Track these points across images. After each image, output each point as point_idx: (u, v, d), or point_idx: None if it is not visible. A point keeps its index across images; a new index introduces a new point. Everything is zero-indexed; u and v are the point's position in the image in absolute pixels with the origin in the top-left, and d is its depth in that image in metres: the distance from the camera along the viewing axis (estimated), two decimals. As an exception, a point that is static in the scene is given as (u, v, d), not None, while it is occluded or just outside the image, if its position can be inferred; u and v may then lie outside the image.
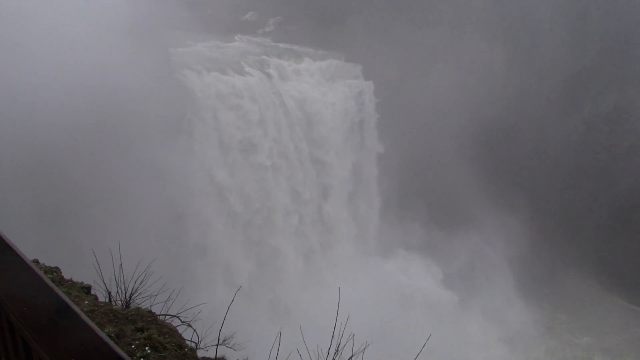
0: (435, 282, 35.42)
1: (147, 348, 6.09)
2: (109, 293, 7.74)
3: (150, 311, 7.25)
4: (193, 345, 7.27)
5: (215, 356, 6.14)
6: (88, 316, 6.43)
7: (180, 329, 7.39)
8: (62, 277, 8.19)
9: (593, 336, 34.72)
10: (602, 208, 39.25)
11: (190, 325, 7.86)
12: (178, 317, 7.95)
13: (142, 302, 7.73)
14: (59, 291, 2.55)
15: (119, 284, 7.71)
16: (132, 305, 7.57)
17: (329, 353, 6.05)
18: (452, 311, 34.60)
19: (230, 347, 7.43)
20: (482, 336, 34.03)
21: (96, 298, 7.74)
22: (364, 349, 6.28)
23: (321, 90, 33.03)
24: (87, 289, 7.92)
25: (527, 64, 39.68)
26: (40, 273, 2.64)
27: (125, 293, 7.72)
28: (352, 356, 6.18)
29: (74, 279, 8.11)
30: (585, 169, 39.44)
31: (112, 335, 6.19)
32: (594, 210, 39.46)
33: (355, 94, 34.78)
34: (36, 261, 8.54)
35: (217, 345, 6.20)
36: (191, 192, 25.23)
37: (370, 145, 36.20)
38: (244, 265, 28.45)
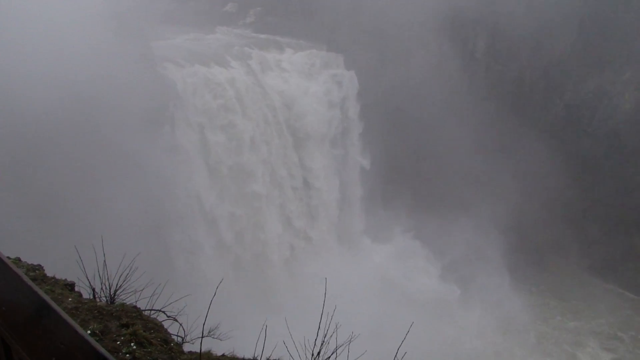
0: (427, 272, 35.61)
1: (132, 344, 6.05)
2: (93, 289, 7.68)
3: (135, 307, 7.20)
4: (179, 339, 7.24)
5: (200, 349, 6.11)
6: (72, 313, 6.40)
7: (165, 324, 7.35)
8: (45, 275, 8.11)
9: (582, 320, 35.15)
10: (586, 192, 39.65)
11: (175, 320, 7.82)
12: (163, 312, 7.91)
13: (126, 297, 7.68)
14: (38, 289, 2.51)
15: (103, 280, 7.65)
16: (117, 301, 7.52)
17: (315, 344, 6.06)
18: (443, 301, 34.82)
19: (216, 338, 7.41)
20: (474, 324, 34.26)
21: (80, 295, 7.66)
22: (350, 340, 6.30)
23: (303, 80, 32.95)
24: (70, 286, 7.84)
25: (507, 51, 39.86)
26: (19, 271, 2.60)
27: (110, 289, 7.66)
28: (337, 347, 6.19)
29: (57, 276, 8.02)
30: (567, 155, 39.78)
31: (97, 331, 6.14)
32: (578, 195, 39.83)
33: (337, 84, 34.73)
34: (18, 259, 8.44)
35: (202, 337, 6.19)
36: (174, 185, 25.11)
37: (354, 136, 36.24)
38: (227, 255, 28.49)
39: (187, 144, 26.53)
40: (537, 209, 39.19)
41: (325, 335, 6.08)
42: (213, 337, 7.16)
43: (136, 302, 7.58)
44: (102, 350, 2.27)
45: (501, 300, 35.93)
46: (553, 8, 38.60)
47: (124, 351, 5.91)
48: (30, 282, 2.53)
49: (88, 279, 7.64)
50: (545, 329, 34.58)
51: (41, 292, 2.49)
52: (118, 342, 6.07)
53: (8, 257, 4.33)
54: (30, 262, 8.40)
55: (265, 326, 6.04)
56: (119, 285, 7.72)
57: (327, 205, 34.67)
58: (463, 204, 37.74)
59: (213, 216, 27.76)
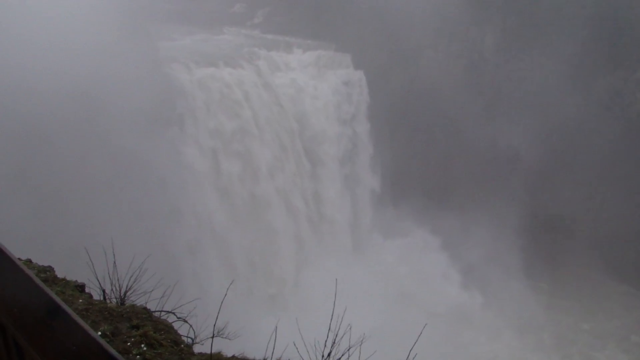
0: (439, 272, 35.36)
1: (143, 345, 6.06)
2: (104, 291, 7.70)
3: (145, 308, 7.21)
4: (189, 340, 7.24)
5: (211, 350, 6.11)
6: (82, 315, 6.42)
7: (176, 325, 7.36)
8: (55, 276, 8.14)
9: (598, 321, 34.82)
10: (598, 191, 39.34)
11: (185, 321, 7.83)
12: (173, 313, 7.92)
13: (136, 299, 7.69)
14: (49, 291, 2.51)
15: (113, 281, 7.67)
16: (127, 303, 7.54)
17: (325, 345, 6.04)
18: (455, 302, 34.58)
19: (225, 337, 7.40)
20: (488, 325, 34.00)
21: (90, 296, 7.69)
22: (362, 341, 6.27)
23: (312, 80, 32.96)
24: (81, 287, 7.87)
25: (517, 50, 39.64)
26: (30, 273, 2.60)
27: (120, 290, 7.68)
28: (348, 348, 6.17)
29: (68, 278, 8.05)
30: (578, 156, 39.50)
31: (108, 333, 6.15)
32: (591, 194, 39.53)
33: (346, 84, 34.71)
34: (29, 261, 8.48)
35: (212, 337, 6.18)
36: (183, 185, 25.17)
37: (363, 136, 36.19)
38: (240, 254, 28.50)
39: (194, 145, 26.60)
40: (547, 207, 38.97)
41: (336, 337, 6.07)
42: (222, 337, 7.15)
43: (146, 303, 7.59)
44: (113, 352, 2.26)
45: (516, 301, 35.71)
46: (563, 5, 38.37)
47: (134, 352, 5.92)
48: (41, 284, 2.54)
49: (98, 281, 7.66)
50: (561, 330, 34.26)
51: (52, 294, 2.49)
52: (128, 344, 6.08)
53: (19, 259, 4.34)
54: (41, 264, 8.43)
55: (275, 327, 6.03)
56: (129, 287, 7.74)
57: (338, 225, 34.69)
58: (474, 204, 37.58)
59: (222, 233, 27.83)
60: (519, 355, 32.31)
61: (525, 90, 39.86)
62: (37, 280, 2.55)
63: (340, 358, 6.14)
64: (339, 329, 6.10)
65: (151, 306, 7.55)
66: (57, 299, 2.46)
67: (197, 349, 6.95)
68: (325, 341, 6.03)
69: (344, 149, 34.97)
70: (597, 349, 32.67)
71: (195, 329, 7.53)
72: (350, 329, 6.10)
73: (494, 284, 35.84)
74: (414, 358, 5.82)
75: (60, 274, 8.25)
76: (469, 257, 36.35)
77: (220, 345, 6.96)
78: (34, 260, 8.52)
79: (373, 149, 36.56)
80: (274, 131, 30.68)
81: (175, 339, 6.61)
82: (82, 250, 8.09)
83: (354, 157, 35.90)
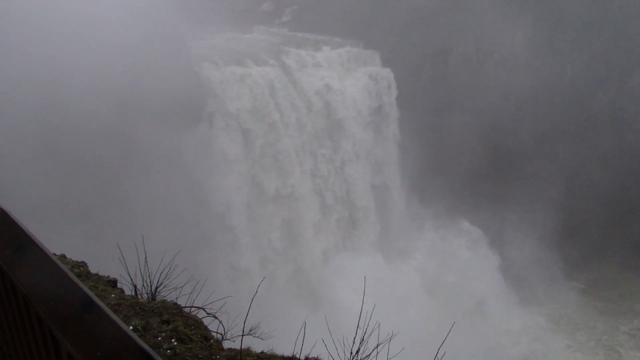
0: (472, 268, 34.93)
1: (173, 340, 6.14)
2: (135, 286, 7.82)
3: (175, 303, 7.30)
4: (219, 336, 7.31)
5: (241, 347, 6.16)
6: (115, 309, 6.53)
7: (205, 321, 7.44)
8: (88, 272, 8.30)
9: (630, 322, 34.24)
10: (630, 190, 38.59)
11: (215, 317, 7.90)
12: (203, 309, 8.00)
13: (167, 294, 7.79)
14: (83, 286, 2.57)
15: (144, 277, 7.78)
16: (158, 298, 7.64)
17: (354, 342, 6.04)
18: (489, 299, 34.20)
19: (257, 337, 7.45)
20: (521, 324, 33.59)
21: (122, 291, 7.82)
22: (390, 338, 6.25)
23: (340, 78, 32.90)
24: (113, 283, 8.01)
25: (548, 45, 39.00)
26: (65, 268, 2.66)
27: (151, 286, 7.79)
28: (377, 345, 6.16)
29: (100, 273, 8.20)
30: (612, 149, 38.75)
31: (139, 327, 6.25)
32: (623, 192, 38.78)
33: (374, 82, 34.54)
34: (63, 256, 8.66)
35: (242, 335, 6.23)
36: (214, 181, 25.39)
37: (391, 133, 35.99)
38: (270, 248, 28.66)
39: (224, 142, 26.80)
40: (582, 207, 38.32)
41: (364, 334, 6.06)
42: (254, 336, 7.21)
43: (176, 299, 7.68)
44: (145, 346, 2.30)
45: (554, 300, 35.22)
46: (595, 2, 37.66)
47: (164, 347, 6.00)
48: (76, 279, 2.59)
49: (130, 276, 7.78)
50: (598, 331, 33.71)
51: (86, 289, 2.55)
52: (159, 338, 6.16)
53: (54, 254, 4.43)
54: (74, 259, 8.60)
55: (304, 324, 6.05)
56: (159, 282, 7.84)
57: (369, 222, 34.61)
58: (507, 202, 37.11)
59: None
60: (558, 356, 31.82)
61: (556, 86, 39.22)
62: (72, 276, 2.61)
63: (369, 355, 6.14)
64: (367, 326, 6.10)
65: (181, 302, 7.64)
66: (91, 294, 2.52)
67: (226, 345, 7.01)
68: (354, 338, 6.03)
69: (372, 145, 34.82)
70: (637, 350, 32.07)
71: (225, 325, 7.60)
72: (378, 326, 6.09)
73: (529, 282, 35.41)
74: (442, 357, 5.78)
75: (93, 269, 8.41)
76: (504, 255, 35.93)
77: (249, 342, 7.01)
78: (67, 256, 8.70)
79: (401, 145, 36.33)
80: (302, 128, 30.75)
81: (205, 335, 6.69)
82: (115, 246, 8.23)
83: (382, 153, 35.74)
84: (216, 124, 26.52)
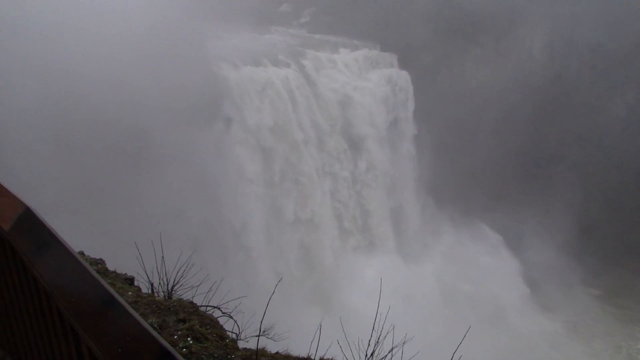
0: (488, 274, 34.67)
1: (189, 339, 6.18)
2: (152, 284, 7.88)
3: (191, 302, 7.35)
4: (234, 336, 7.34)
5: (257, 347, 6.18)
6: (132, 307, 6.58)
7: (221, 320, 7.47)
8: (106, 269, 8.39)
9: None
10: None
11: (231, 317, 7.93)
12: (219, 309, 8.04)
13: (183, 293, 7.84)
14: (104, 282, 2.60)
15: (161, 275, 7.83)
16: (174, 297, 7.69)
17: (369, 344, 6.03)
18: (507, 306, 33.88)
19: (270, 338, 7.47)
20: (539, 330, 33.26)
21: (139, 289, 7.88)
22: (405, 341, 6.24)
23: (357, 80, 32.89)
24: (130, 281, 8.09)
25: (566, 48, 38.68)
26: (86, 265, 2.70)
27: (167, 284, 7.84)
28: (392, 349, 6.15)
29: (118, 271, 8.28)
30: (629, 154, 38.30)
31: (155, 325, 6.30)
32: (637, 197, 38.31)
33: (391, 84, 34.49)
34: (81, 253, 8.74)
35: (258, 336, 6.25)
36: (229, 181, 25.43)
37: (408, 135, 35.89)
38: (285, 253, 28.59)
39: (240, 142, 26.86)
40: (598, 212, 37.93)
41: (379, 336, 6.06)
42: (267, 337, 7.23)
43: (192, 297, 7.73)
44: (164, 342, 2.33)
45: (565, 306, 34.88)
46: (614, 5, 37.27)
47: (180, 345, 6.04)
48: (97, 276, 2.63)
49: (147, 274, 7.84)
50: (611, 337, 33.30)
51: (107, 286, 2.58)
52: (175, 337, 6.21)
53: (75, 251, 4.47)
54: (93, 257, 8.69)
55: (319, 325, 6.06)
56: (176, 281, 7.89)
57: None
58: (525, 206, 36.84)
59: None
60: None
61: (574, 90, 38.91)
62: (94, 273, 2.65)
63: (384, 358, 6.13)
64: (382, 328, 6.09)
65: (197, 301, 7.68)
66: (112, 291, 2.55)
67: (241, 345, 7.04)
68: (369, 340, 6.03)
69: (389, 147, 34.75)
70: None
71: (240, 325, 7.63)
72: (393, 329, 6.08)
73: (546, 288, 35.08)
74: (458, 360, 5.75)
75: (110, 266, 8.49)
76: (522, 260, 35.61)
77: (264, 342, 7.03)
78: (86, 253, 8.79)
79: (418, 148, 36.22)
80: (319, 130, 30.75)
81: (220, 334, 6.72)
82: (132, 244, 8.30)
83: (398, 156, 35.65)
84: (232, 124, 26.56)
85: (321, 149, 30.84)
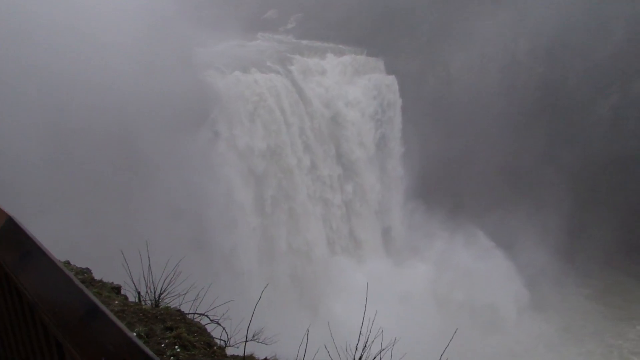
0: (477, 276, 34.77)
1: (176, 347, 6.15)
2: (139, 293, 7.84)
3: (179, 310, 7.32)
4: (222, 343, 7.32)
5: (244, 353, 6.17)
6: (118, 316, 6.54)
7: (209, 328, 7.45)
8: (92, 278, 8.33)
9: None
10: (633, 195, 38.46)
11: (219, 324, 7.91)
12: (207, 316, 8.02)
13: (171, 301, 7.81)
14: (88, 292, 2.59)
15: (148, 283, 7.80)
16: (161, 305, 7.66)
17: (357, 349, 6.04)
18: (496, 307, 34.00)
19: (261, 342, 7.46)
20: (535, 331, 33.42)
21: (126, 298, 7.84)
22: (393, 344, 6.26)
23: (344, 85, 32.99)
24: (117, 289, 8.04)
25: (550, 53, 39.05)
26: (70, 274, 2.69)
27: (155, 292, 7.81)
28: (380, 351, 6.16)
29: (104, 280, 8.23)
30: (614, 157, 38.67)
31: (143, 334, 6.27)
32: (625, 199, 38.69)
33: (378, 89, 34.63)
34: (67, 262, 8.69)
35: (245, 342, 6.24)
36: (217, 188, 25.37)
37: (395, 140, 36.03)
38: (269, 260, 28.55)
39: (228, 149, 26.82)
40: (586, 213, 38.21)
41: (367, 340, 6.07)
42: (257, 342, 7.21)
43: (180, 305, 7.70)
44: (149, 352, 2.32)
45: (556, 306, 35.08)
46: (597, 7, 37.68)
47: (168, 354, 6.01)
48: (81, 285, 2.62)
49: (134, 283, 7.80)
50: (602, 336, 33.52)
51: (91, 295, 2.57)
52: (162, 345, 6.18)
53: (59, 261, 4.43)
54: (78, 266, 8.64)
55: (307, 331, 6.06)
56: (163, 289, 7.86)
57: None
58: (513, 208, 37.03)
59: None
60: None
61: (559, 92, 39.25)
62: (77, 282, 2.64)
63: (371, 362, 6.14)
64: (369, 332, 6.11)
65: (185, 308, 7.66)
66: (96, 300, 2.54)
67: (230, 351, 7.03)
68: (357, 345, 6.04)
69: (377, 153, 34.89)
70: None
71: (228, 331, 7.61)
72: (382, 332, 6.10)
73: (537, 289, 35.26)
74: (445, 363, 5.78)
75: (97, 275, 8.44)
76: (514, 262, 35.78)
77: (252, 348, 7.02)
78: (72, 263, 8.73)
79: (406, 153, 36.36)
80: (306, 135, 30.79)
81: (208, 341, 6.70)
82: (119, 253, 8.27)
83: (386, 161, 35.78)
84: (220, 131, 26.51)
85: (314, 175, 31.01)
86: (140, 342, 2.36)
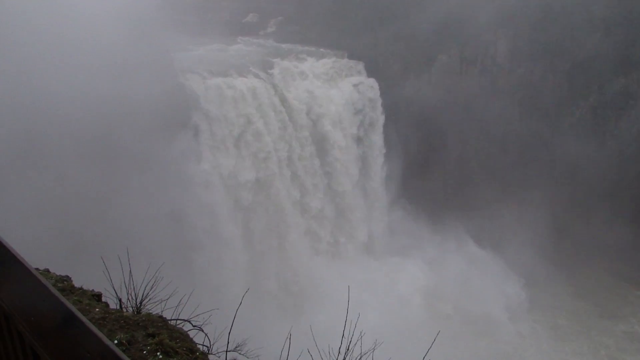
0: (460, 277, 34.94)
1: (158, 353, 6.10)
2: (120, 300, 7.76)
3: (161, 316, 7.26)
4: (205, 349, 7.28)
5: (226, 357, 6.14)
6: (99, 324, 6.48)
7: (191, 334, 7.40)
8: (73, 286, 8.21)
9: (622, 324, 34.74)
10: (612, 196, 38.98)
11: (201, 330, 7.86)
12: (189, 322, 7.95)
13: (152, 307, 7.74)
14: (64, 300, 2.57)
15: (129, 290, 7.72)
16: (143, 311, 7.59)
17: (339, 352, 6.04)
18: (479, 308, 34.17)
19: (243, 354, 7.42)
20: (523, 332, 33.65)
21: (107, 305, 7.75)
22: (375, 347, 6.26)
23: (325, 88, 33.02)
24: (97, 297, 7.94)
25: (530, 54, 39.48)
26: (46, 282, 2.66)
27: (136, 299, 7.73)
28: (361, 355, 6.16)
29: (85, 287, 8.13)
30: (592, 157, 39.18)
31: (124, 341, 6.21)
32: (605, 199, 39.19)
33: (359, 92, 34.72)
34: (47, 270, 8.57)
35: (227, 351, 6.21)
36: (198, 192, 25.26)
37: (377, 142, 36.13)
38: (251, 261, 28.49)
39: (208, 154, 26.72)
40: (566, 213, 38.66)
41: (350, 343, 6.07)
42: (240, 353, 7.18)
43: (162, 311, 7.63)
44: (126, 359, 2.31)
45: (541, 305, 35.38)
46: (576, 9, 38.18)
47: (150, 360, 5.96)
48: (57, 293, 2.59)
49: (115, 290, 7.72)
50: (587, 334, 33.93)
51: (68, 303, 2.55)
52: (144, 352, 6.12)
53: (37, 269, 4.39)
54: (58, 274, 8.52)
55: (289, 335, 6.05)
56: (145, 295, 7.78)
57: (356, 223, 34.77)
58: (492, 208, 37.34)
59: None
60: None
61: (539, 93, 39.69)
62: (54, 290, 2.61)
63: (354, 364, 6.14)
64: (352, 335, 6.11)
65: (167, 314, 7.59)
66: (73, 308, 2.52)
67: (212, 358, 6.98)
68: (339, 348, 6.04)
69: (358, 155, 34.99)
70: (630, 353, 32.38)
71: (211, 337, 7.56)
72: (362, 335, 6.10)
73: (525, 290, 35.54)
74: (428, 365, 5.80)
75: (77, 283, 8.33)
76: (499, 263, 36.02)
77: (235, 354, 6.97)
78: (51, 270, 8.62)
79: (387, 154, 36.49)
80: (288, 138, 30.77)
81: (190, 347, 6.65)
82: (99, 260, 8.18)
83: (368, 163, 35.89)
84: (200, 136, 26.40)
85: (304, 210, 31.13)
86: (118, 350, 2.35)
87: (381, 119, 35.72)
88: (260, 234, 28.79)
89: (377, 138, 35.98)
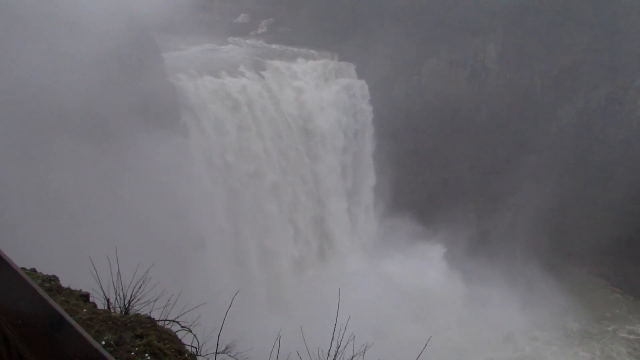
0: (441, 277, 35.05)
1: (147, 354, 6.05)
2: (108, 300, 7.68)
3: (149, 317, 7.19)
4: (193, 350, 7.23)
5: (215, 358, 6.10)
6: (86, 324, 6.41)
7: (180, 334, 7.34)
8: (60, 286, 8.12)
9: (590, 323, 35.09)
10: (597, 200, 39.28)
11: (190, 330, 7.81)
12: (177, 322, 7.90)
13: (141, 308, 7.67)
14: (52, 302, 2.51)
15: (117, 290, 7.64)
16: (131, 312, 7.52)
17: (329, 354, 6.02)
18: (457, 308, 34.36)
19: (233, 357, 7.37)
20: (512, 331, 33.85)
21: (95, 306, 7.66)
22: (365, 350, 6.25)
23: (315, 89, 33.03)
24: (85, 297, 7.85)
25: (518, 59, 39.70)
26: (33, 283, 2.60)
27: (124, 299, 7.65)
28: (352, 357, 6.15)
29: (72, 287, 8.04)
30: (579, 162, 39.47)
31: (112, 342, 6.14)
32: (589, 202, 39.48)
33: (349, 93, 34.78)
34: (34, 270, 8.47)
35: (216, 353, 6.17)
36: (188, 191, 25.15)
37: (366, 144, 36.19)
38: (243, 264, 28.44)
39: (198, 153, 26.64)
40: (547, 215, 38.90)
41: (339, 346, 6.05)
42: (229, 355, 7.14)
43: (150, 312, 7.56)
44: (116, 362, 2.27)
45: (539, 306, 35.64)
46: (564, 15, 38.47)
47: (138, 362, 5.90)
48: (45, 295, 2.54)
49: (102, 290, 7.64)
50: (570, 332, 34.25)
51: (55, 305, 2.50)
52: (132, 353, 6.06)
53: (23, 268, 4.32)
54: (45, 273, 8.43)
55: (279, 336, 6.02)
56: (133, 296, 7.71)
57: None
58: (479, 214, 37.53)
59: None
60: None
61: (527, 98, 39.94)
62: (41, 291, 2.56)
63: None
64: (342, 337, 6.09)
65: (155, 315, 7.53)
66: (61, 310, 2.47)
67: (201, 358, 6.94)
68: (329, 350, 6.02)
69: (348, 156, 35.03)
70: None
71: (199, 338, 7.51)
72: (354, 338, 6.08)
73: (519, 293, 35.77)
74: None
75: (64, 283, 8.24)
76: (488, 267, 36.14)
77: (224, 356, 6.93)
78: (38, 270, 8.52)
79: (376, 157, 36.56)
80: (277, 137, 30.76)
81: (179, 349, 6.60)
82: (87, 259, 8.10)
83: (357, 164, 35.94)
84: (190, 135, 26.33)
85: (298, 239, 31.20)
86: (106, 353, 2.31)
87: (370, 120, 35.79)
88: (249, 235, 28.71)
89: (366, 139, 36.06)
